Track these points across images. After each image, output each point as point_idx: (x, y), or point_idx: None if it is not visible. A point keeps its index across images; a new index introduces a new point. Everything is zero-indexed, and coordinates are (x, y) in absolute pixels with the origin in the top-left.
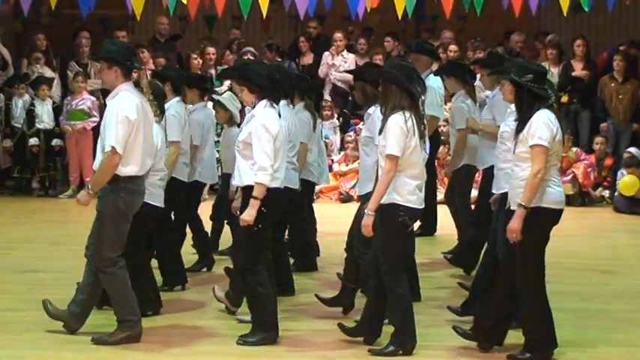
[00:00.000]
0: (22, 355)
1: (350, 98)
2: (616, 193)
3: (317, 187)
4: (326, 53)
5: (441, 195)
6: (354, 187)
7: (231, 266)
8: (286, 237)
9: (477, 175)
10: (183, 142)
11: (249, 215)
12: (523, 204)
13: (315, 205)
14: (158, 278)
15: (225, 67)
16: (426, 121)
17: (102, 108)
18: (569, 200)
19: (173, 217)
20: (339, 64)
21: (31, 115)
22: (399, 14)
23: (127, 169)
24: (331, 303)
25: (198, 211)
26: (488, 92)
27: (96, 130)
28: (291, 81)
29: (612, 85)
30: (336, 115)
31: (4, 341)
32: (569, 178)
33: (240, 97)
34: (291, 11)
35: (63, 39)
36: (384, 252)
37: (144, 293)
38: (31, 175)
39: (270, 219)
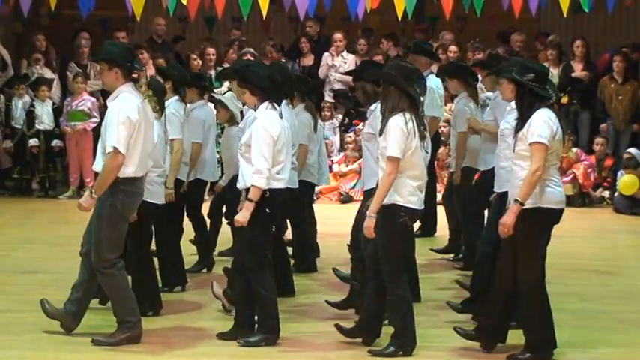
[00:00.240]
0: (21, 356)
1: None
2: (616, 194)
3: (317, 188)
4: (326, 54)
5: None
6: (354, 187)
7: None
8: (288, 237)
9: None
10: (184, 140)
11: (243, 217)
12: (519, 200)
13: (315, 206)
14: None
15: (225, 66)
16: (426, 122)
17: (102, 109)
18: (570, 201)
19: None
20: (339, 65)
21: (31, 116)
22: (399, 15)
23: (127, 171)
24: (342, 306)
25: (201, 210)
26: (489, 93)
27: (96, 131)
28: (292, 82)
29: (612, 85)
30: (340, 116)
31: (4, 342)
32: (569, 178)
33: (240, 98)
34: (291, 12)
35: (63, 40)
36: (385, 253)
37: (144, 293)
38: (31, 176)
39: (273, 220)
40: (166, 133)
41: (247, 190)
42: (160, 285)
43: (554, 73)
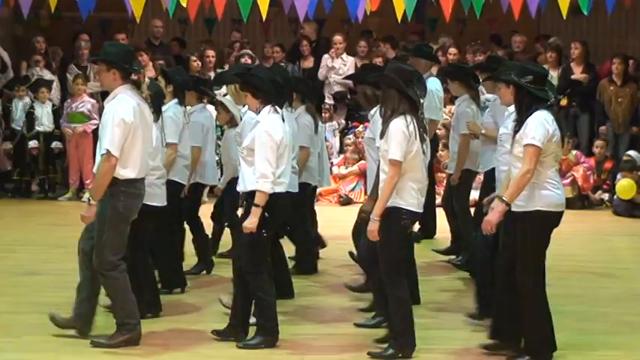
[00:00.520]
0: (21, 358)
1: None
2: (615, 196)
3: (317, 190)
4: (325, 56)
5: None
6: (353, 189)
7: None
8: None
9: (476, 178)
10: (182, 144)
11: (251, 223)
12: (505, 199)
13: (316, 208)
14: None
15: (225, 68)
16: (426, 125)
17: (102, 111)
18: (569, 203)
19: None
20: (338, 67)
21: (30, 117)
22: (399, 17)
23: (125, 172)
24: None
25: (198, 214)
26: (489, 96)
27: (96, 133)
28: (292, 84)
29: (611, 88)
30: (343, 120)
31: (4, 344)
32: (568, 181)
33: (238, 102)
34: (291, 14)
35: (63, 42)
36: (385, 255)
37: (143, 295)
38: (30, 178)
39: (273, 224)
40: (164, 136)
41: (248, 193)
42: (159, 287)
43: (554, 75)
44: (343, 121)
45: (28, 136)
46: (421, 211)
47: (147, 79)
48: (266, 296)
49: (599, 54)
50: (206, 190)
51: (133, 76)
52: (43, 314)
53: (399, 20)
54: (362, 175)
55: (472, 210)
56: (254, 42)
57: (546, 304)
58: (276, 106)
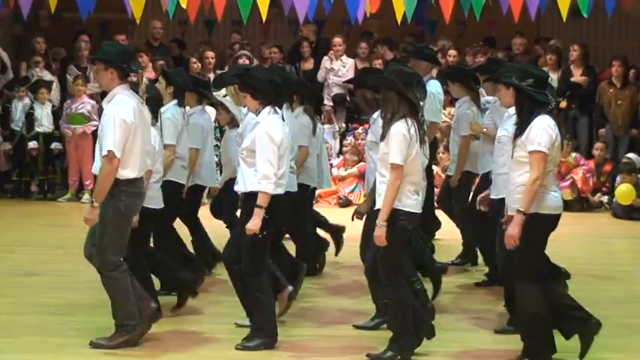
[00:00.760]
0: (20, 359)
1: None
2: (614, 199)
3: (317, 192)
4: (325, 58)
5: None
6: (353, 191)
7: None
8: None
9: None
10: (181, 146)
11: (254, 225)
12: (522, 210)
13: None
14: (156, 281)
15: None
16: (425, 127)
17: (101, 112)
18: (568, 206)
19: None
20: (337, 69)
21: (30, 118)
22: (399, 19)
23: (125, 173)
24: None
25: (197, 215)
26: (489, 98)
27: (96, 134)
28: (291, 85)
29: (611, 90)
30: (343, 124)
31: (3, 344)
32: (567, 183)
33: (238, 103)
34: (291, 15)
35: (63, 42)
36: (384, 256)
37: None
38: (30, 179)
39: (273, 225)
40: (162, 138)
41: (247, 194)
42: (158, 288)
43: (554, 77)
44: (343, 124)
45: (28, 136)
46: (419, 211)
47: (145, 81)
48: (265, 297)
49: (599, 56)
50: (205, 192)
51: (133, 77)
52: (42, 315)
53: (399, 22)
54: (361, 176)
55: None
56: (254, 43)
57: (545, 306)
58: (276, 107)
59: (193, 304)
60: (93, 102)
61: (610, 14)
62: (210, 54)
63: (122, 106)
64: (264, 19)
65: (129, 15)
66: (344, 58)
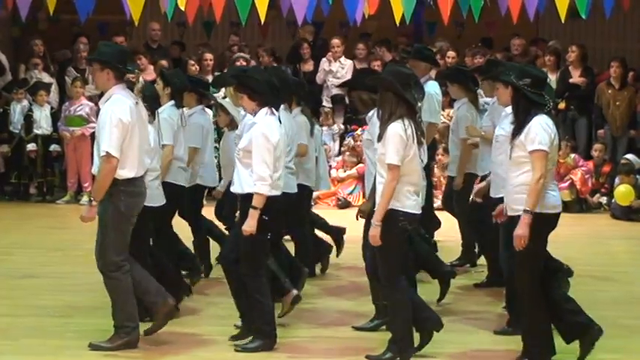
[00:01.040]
0: None
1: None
2: (613, 200)
3: (315, 193)
4: (323, 59)
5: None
6: (352, 193)
7: None
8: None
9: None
10: (178, 146)
11: (249, 226)
12: (529, 209)
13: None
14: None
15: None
16: (424, 128)
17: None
18: (567, 206)
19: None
20: (336, 70)
21: (29, 120)
22: (397, 20)
23: (124, 172)
24: None
25: (199, 215)
26: (487, 99)
27: (94, 136)
28: (289, 86)
29: (609, 91)
30: (342, 125)
31: (2, 347)
32: (566, 184)
33: (237, 104)
34: (289, 17)
35: (61, 44)
36: (383, 257)
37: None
38: (28, 181)
39: (270, 227)
40: (160, 137)
41: (243, 195)
42: None
43: (552, 78)
44: (342, 126)
45: (27, 139)
46: (419, 212)
47: (141, 81)
48: (264, 299)
49: (598, 57)
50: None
51: (131, 78)
52: (41, 317)
53: (398, 23)
54: (360, 178)
55: None
56: (252, 45)
57: (545, 308)
58: (273, 108)
59: (192, 306)
60: (91, 104)
61: (608, 15)
62: (208, 56)
63: (119, 106)
64: (262, 20)
65: (127, 17)
66: (342, 59)
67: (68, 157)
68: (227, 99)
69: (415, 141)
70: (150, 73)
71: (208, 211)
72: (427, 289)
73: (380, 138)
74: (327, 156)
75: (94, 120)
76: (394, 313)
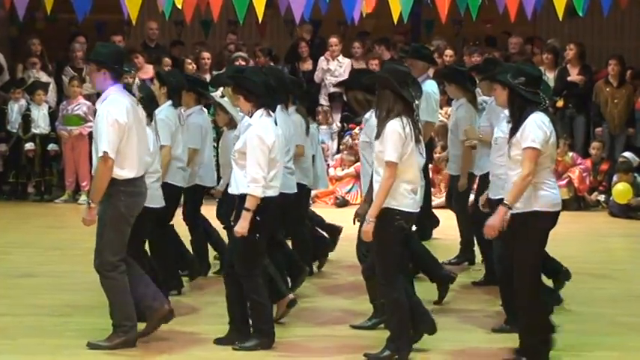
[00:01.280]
0: None
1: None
2: (611, 198)
3: (313, 192)
4: (321, 58)
5: (438, 200)
6: (350, 191)
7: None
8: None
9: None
10: (176, 146)
11: (241, 227)
12: (507, 203)
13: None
14: None
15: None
16: (421, 127)
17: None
18: (565, 205)
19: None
20: (334, 69)
21: (26, 119)
22: (395, 19)
23: (123, 173)
24: None
25: (198, 215)
26: (486, 98)
27: (92, 135)
28: (286, 86)
29: (607, 89)
30: (339, 123)
31: (0, 346)
32: (564, 182)
33: (235, 104)
34: (287, 16)
35: (59, 44)
36: (380, 256)
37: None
38: (26, 180)
39: (265, 227)
40: (158, 138)
41: (239, 196)
42: None
43: (550, 77)
44: (339, 124)
45: (25, 138)
46: (416, 210)
47: (137, 81)
48: (261, 299)
49: (595, 55)
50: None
51: (129, 79)
52: (40, 316)
53: (395, 22)
54: (358, 177)
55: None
56: (250, 44)
57: (543, 305)
58: (269, 110)
59: (190, 305)
60: (89, 103)
61: (606, 13)
62: (206, 54)
63: (115, 106)
64: (260, 19)
65: (125, 16)
66: (340, 58)
67: (66, 157)
68: (225, 98)
69: (413, 139)
70: (146, 72)
71: (208, 211)
72: (426, 288)
73: (378, 136)
74: (325, 155)
75: (92, 119)
76: (391, 311)
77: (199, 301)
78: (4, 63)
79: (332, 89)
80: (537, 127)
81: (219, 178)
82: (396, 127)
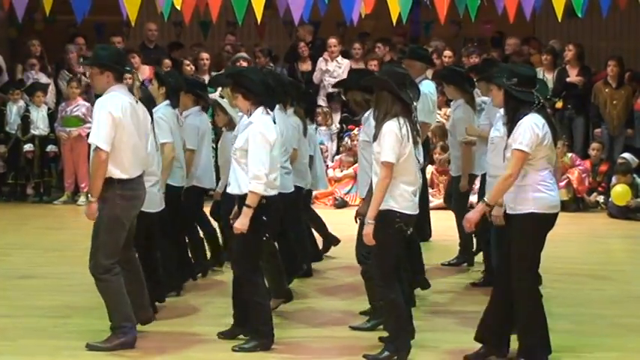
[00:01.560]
0: None
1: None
2: (610, 199)
3: (313, 193)
4: (320, 59)
5: (437, 201)
6: (349, 192)
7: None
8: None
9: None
10: (175, 146)
11: (241, 224)
12: (486, 201)
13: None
14: None
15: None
16: (419, 128)
17: None
18: (564, 206)
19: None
20: (333, 70)
21: (25, 121)
22: (394, 20)
23: (118, 173)
24: None
25: (196, 217)
26: (484, 98)
27: None
28: (284, 87)
29: (606, 90)
30: (338, 124)
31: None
32: (563, 183)
33: (233, 105)
34: (286, 17)
35: (58, 45)
36: (379, 258)
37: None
38: (25, 181)
39: (266, 227)
40: (157, 139)
41: (241, 196)
42: None
43: (549, 78)
44: (338, 125)
45: (24, 139)
46: (416, 212)
47: (137, 83)
48: (261, 299)
49: (594, 56)
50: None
51: (128, 79)
52: (39, 318)
53: (394, 23)
54: (357, 178)
55: None
56: (249, 45)
57: (541, 306)
58: (267, 108)
59: (190, 306)
60: (88, 104)
61: (605, 14)
62: (204, 55)
63: (110, 101)
64: (259, 20)
65: (124, 17)
66: (339, 59)
67: (65, 158)
68: (225, 99)
69: (411, 140)
70: (143, 73)
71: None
72: (420, 291)
73: (375, 137)
74: (324, 156)
75: (91, 120)
76: (389, 312)
77: (198, 302)
78: (3, 64)
79: (330, 90)
80: (528, 128)
81: (218, 180)
82: (393, 127)
